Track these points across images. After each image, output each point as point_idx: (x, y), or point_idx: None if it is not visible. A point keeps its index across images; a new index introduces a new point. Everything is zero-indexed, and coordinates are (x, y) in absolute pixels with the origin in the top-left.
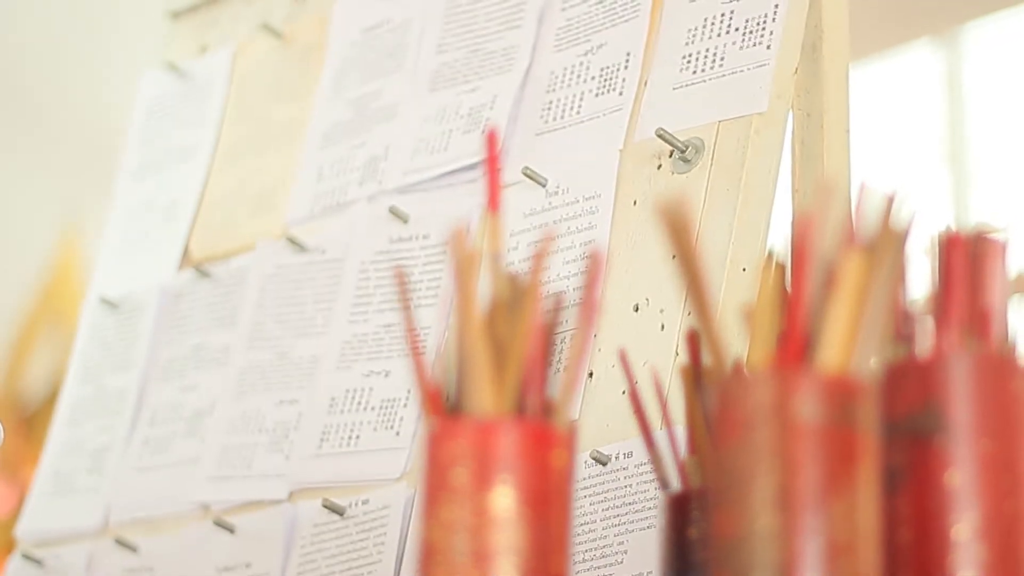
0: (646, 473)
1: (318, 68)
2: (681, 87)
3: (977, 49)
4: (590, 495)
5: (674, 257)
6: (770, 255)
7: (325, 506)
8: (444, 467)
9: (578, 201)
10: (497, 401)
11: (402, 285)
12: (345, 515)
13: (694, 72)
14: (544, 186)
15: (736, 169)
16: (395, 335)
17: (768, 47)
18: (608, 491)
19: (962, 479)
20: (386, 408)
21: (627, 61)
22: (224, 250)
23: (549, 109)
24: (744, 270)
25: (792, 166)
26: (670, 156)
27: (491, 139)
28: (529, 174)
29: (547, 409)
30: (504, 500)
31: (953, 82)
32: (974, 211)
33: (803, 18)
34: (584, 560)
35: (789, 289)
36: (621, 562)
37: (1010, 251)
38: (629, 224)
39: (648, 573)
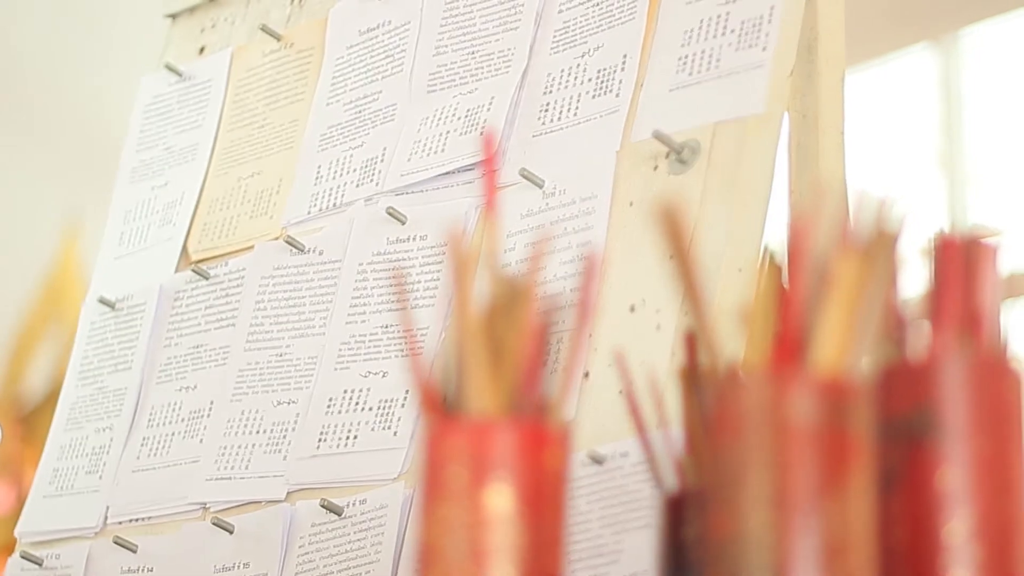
0: (642, 473)
1: (316, 70)
2: (677, 89)
3: (973, 54)
4: (586, 494)
5: (670, 258)
6: (766, 256)
7: (323, 506)
8: (441, 466)
9: (575, 202)
10: (494, 401)
11: (399, 286)
12: (343, 515)
13: (690, 74)
14: (541, 187)
15: (732, 170)
16: (393, 336)
17: (764, 49)
18: (604, 490)
19: (955, 480)
20: (384, 408)
21: (623, 63)
22: (222, 251)
23: (546, 111)
24: (740, 271)
25: (788, 168)
26: (666, 157)
27: (488, 140)
28: (526, 175)
29: (543, 409)
30: (501, 499)
31: (949, 86)
32: (968, 214)
33: (799, 20)
34: (580, 559)
35: (784, 290)
36: (617, 561)
37: (1002, 254)
38: (625, 225)
39: (643, 573)
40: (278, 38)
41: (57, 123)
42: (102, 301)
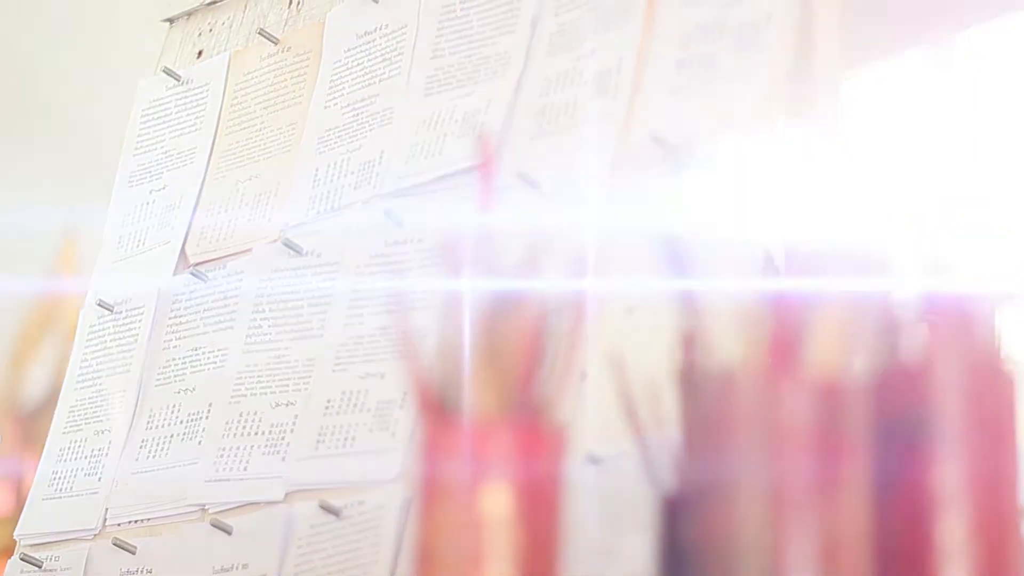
0: (639, 473)
1: (313, 73)
2: (674, 92)
3: (971, 58)
4: (583, 495)
5: (667, 260)
6: (762, 258)
7: (321, 507)
8: (438, 468)
9: (571, 204)
10: (491, 402)
11: (397, 288)
12: (341, 516)
13: (688, 77)
14: (538, 190)
15: (729, 174)
16: (390, 337)
17: (762, 52)
18: (601, 491)
19: (949, 481)
20: (382, 410)
21: (619, 66)
22: (221, 254)
23: (543, 113)
24: (736, 272)
25: (785, 172)
26: (663, 160)
27: (485, 143)
28: (523, 178)
29: (540, 410)
30: (498, 501)
31: (948, 90)
32: (965, 218)
33: (795, 24)
34: (577, 560)
35: (781, 292)
36: (614, 562)
37: (998, 257)
38: (622, 227)
39: (640, 573)
40: (275, 42)
41: (54, 128)
42: (101, 304)
